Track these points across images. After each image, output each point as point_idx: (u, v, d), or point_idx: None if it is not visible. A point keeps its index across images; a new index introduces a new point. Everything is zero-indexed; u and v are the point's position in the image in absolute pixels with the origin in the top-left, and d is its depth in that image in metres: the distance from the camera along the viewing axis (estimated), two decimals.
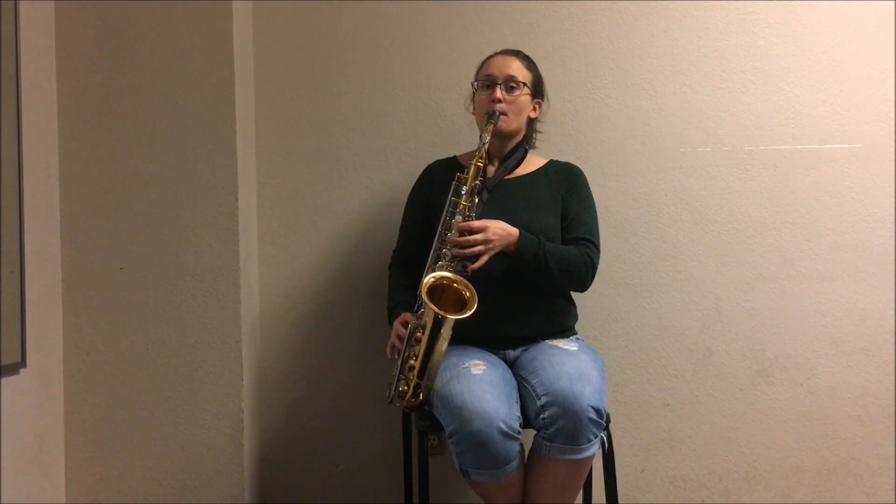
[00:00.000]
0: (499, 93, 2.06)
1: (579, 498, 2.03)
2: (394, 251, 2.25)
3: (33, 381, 1.99)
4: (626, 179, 2.45)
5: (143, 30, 2.16)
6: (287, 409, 2.41)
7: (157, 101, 2.17)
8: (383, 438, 2.40)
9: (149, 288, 2.17)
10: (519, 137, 2.16)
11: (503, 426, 1.75)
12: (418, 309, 1.95)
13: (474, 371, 1.88)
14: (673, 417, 2.45)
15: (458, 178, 1.99)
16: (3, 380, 1.84)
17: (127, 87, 2.17)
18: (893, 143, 2.47)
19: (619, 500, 1.98)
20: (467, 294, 1.88)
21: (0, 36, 1.86)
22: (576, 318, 2.16)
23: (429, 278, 1.90)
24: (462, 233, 1.92)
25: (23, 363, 1.92)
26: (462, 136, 2.33)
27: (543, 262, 1.96)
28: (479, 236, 1.91)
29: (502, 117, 2.06)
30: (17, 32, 1.92)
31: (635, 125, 2.46)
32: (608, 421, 1.92)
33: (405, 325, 1.95)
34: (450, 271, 1.92)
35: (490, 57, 2.16)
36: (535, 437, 1.84)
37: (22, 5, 1.95)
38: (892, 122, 2.47)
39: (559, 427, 1.77)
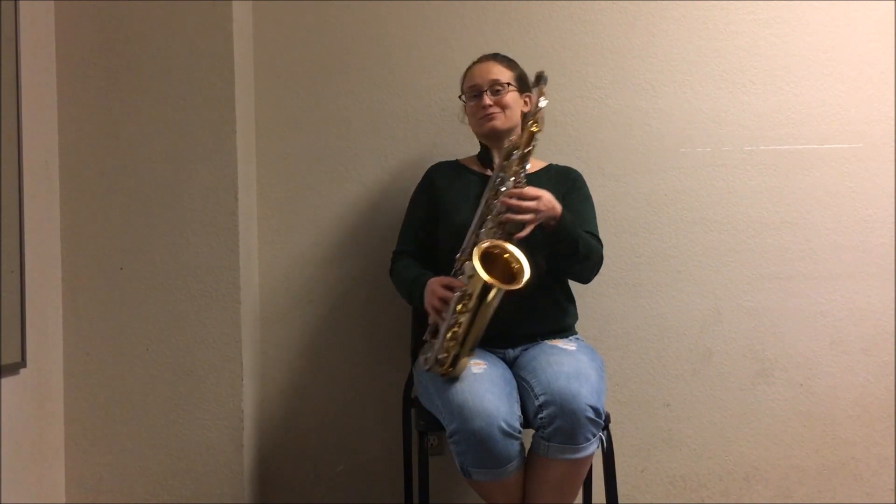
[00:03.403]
0: (487, 100, 2.09)
1: (579, 497, 2.03)
2: (394, 252, 2.22)
3: (33, 381, 1.99)
4: (626, 179, 2.45)
5: (143, 30, 2.16)
6: (287, 409, 2.41)
7: (157, 102, 2.16)
8: (383, 438, 2.40)
9: (149, 288, 2.16)
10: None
11: (504, 425, 1.75)
12: (457, 275, 1.91)
13: (475, 370, 1.88)
14: (673, 417, 2.45)
15: (511, 142, 1.97)
16: (3, 380, 1.84)
17: (127, 87, 2.17)
18: (893, 143, 2.47)
19: (619, 500, 1.98)
20: (516, 266, 1.82)
21: (0, 36, 1.86)
22: (576, 317, 2.16)
23: (482, 244, 1.83)
24: (514, 198, 1.88)
25: (23, 363, 1.92)
26: (462, 136, 2.33)
27: (576, 243, 1.97)
28: (531, 203, 1.88)
29: (498, 115, 2.08)
30: (17, 32, 1.92)
31: (635, 125, 2.46)
32: (608, 421, 1.92)
33: (448, 287, 1.89)
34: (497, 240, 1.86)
35: (469, 68, 2.19)
36: (533, 436, 1.84)
37: (22, 5, 1.95)
38: (892, 122, 2.47)
39: (557, 426, 1.78)
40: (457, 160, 2.26)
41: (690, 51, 2.46)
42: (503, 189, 1.91)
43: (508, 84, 2.11)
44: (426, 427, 1.99)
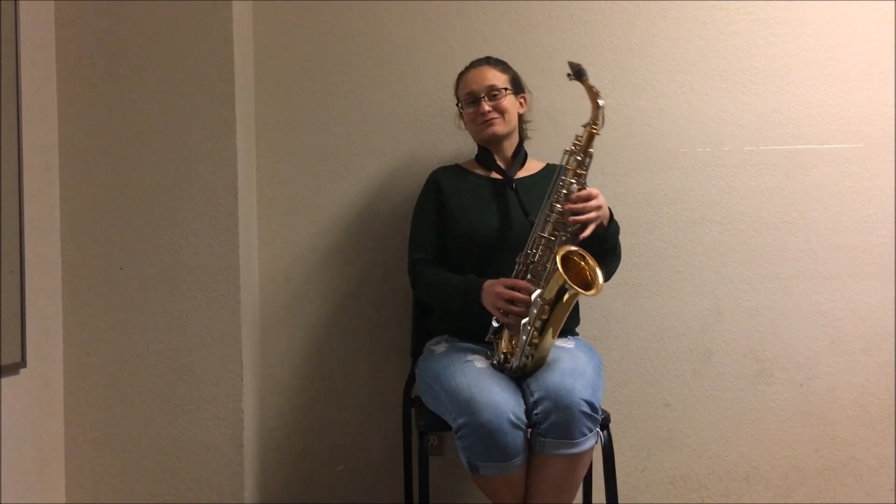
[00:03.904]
0: (485, 106, 2.10)
1: (579, 497, 2.03)
2: (415, 259, 2.16)
3: (33, 381, 1.99)
4: (626, 179, 2.45)
5: (144, 30, 2.16)
6: (287, 409, 2.41)
7: (157, 102, 2.16)
8: (383, 438, 2.40)
9: (149, 288, 2.16)
10: (516, 136, 2.20)
11: (512, 417, 1.77)
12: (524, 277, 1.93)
13: (478, 364, 1.90)
14: (673, 417, 2.45)
15: (575, 144, 1.99)
16: (3, 380, 1.84)
17: (127, 86, 2.16)
18: (893, 143, 2.47)
19: (619, 500, 1.98)
20: (589, 274, 1.87)
21: (0, 36, 1.86)
22: (577, 320, 2.17)
23: (563, 248, 1.87)
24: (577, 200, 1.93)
25: (23, 363, 1.91)
26: (463, 136, 2.33)
27: (615, 245, 2.05)
28: (593, 203, 1.93)
29: (497, 120, 2.11)
30: (17, 32, 1.92)
31: (635, 125, 2.46)
32: (608, 420, 1.92)
33: (513, 288, 1.90)
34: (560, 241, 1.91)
35: (463, 73, 2.19)
36: (530, 433, 1.84)
37: (22, 5, 1.95)
38: (892, 122, 2.47)
39: (552, 421, 1.78)
40: (457, 164, 2.26)
41: (690, 51, 2.46)
42: (564, 192, 1.95)
43: (505, 89, 2.12)
44: (426, 427, 1.99)
